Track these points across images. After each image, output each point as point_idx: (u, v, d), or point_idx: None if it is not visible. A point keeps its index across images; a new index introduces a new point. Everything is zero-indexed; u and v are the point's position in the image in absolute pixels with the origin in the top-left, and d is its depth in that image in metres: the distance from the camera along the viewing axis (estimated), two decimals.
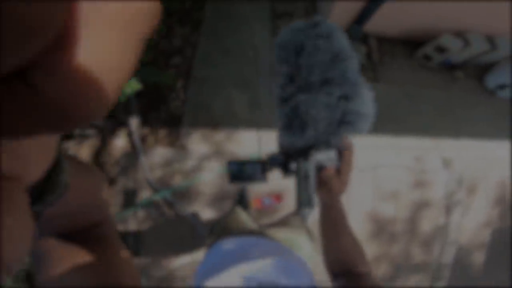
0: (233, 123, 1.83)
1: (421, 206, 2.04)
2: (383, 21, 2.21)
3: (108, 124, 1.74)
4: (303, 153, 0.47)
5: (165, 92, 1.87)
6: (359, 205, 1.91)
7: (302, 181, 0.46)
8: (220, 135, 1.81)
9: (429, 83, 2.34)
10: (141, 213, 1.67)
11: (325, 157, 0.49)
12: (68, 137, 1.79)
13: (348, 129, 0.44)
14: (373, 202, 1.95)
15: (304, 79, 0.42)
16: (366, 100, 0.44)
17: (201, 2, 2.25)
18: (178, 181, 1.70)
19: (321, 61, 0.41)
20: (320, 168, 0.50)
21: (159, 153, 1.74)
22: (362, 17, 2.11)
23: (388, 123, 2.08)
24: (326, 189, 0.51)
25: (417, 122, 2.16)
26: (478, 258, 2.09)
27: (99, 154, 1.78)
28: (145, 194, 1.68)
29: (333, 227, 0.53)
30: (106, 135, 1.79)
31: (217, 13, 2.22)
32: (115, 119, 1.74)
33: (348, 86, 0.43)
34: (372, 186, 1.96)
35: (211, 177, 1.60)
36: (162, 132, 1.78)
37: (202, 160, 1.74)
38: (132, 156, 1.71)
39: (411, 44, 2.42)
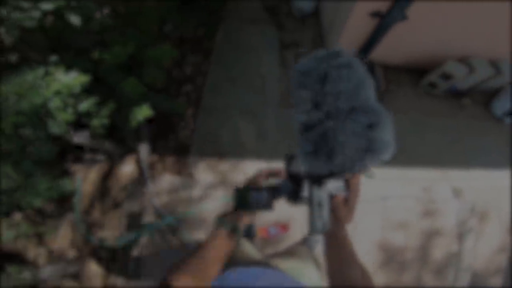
0: (239, 153, 1.84)
1: (432, 235, 1.97)
2: (388, 50, 2.21)
3: (118, 150, 1.76)
4: (317, 180, 0.47)
5: (174, 121, 1.90)
6: (368, 235, 1.86)
7: (316, 208, 0.46)
8: (226, 165, 1.81)
9: (436, 111, 2.31)
10: (144, 238, 1.66)
11: (335, 186, 0.50)
12: (77, 160, 1.81)
13: (373, 157, 0.44)
14: (382, 231, 1.89)
15: (332, 106, 0.43)
16: (389, 128, 0.45)
17: (212, 31, 2.31)
18: (183, 208, 1.69)
19: (346, 89, 0.43)
20: (330, 197, 0.50)
21: (167, 180, 1.74)
22: (368, 45, 2.11)
23: (395, 153, 2.04)
24: (334, 218, 0.52)
25: (425, 152, 2.12)
26: (495, 283, 1.99)
27: (106, 179, 1.79)
28: (150, 220, 1.67)
29: (339, 257, 0.53)
30: (115, 160, 1.81)
31: (227, 42, 2.27)
32: (125, 145, 1.77)
33: (372, 114, 0.44)
34: (381, 216, 1.91)
35: (216, 205, 1.59)
36: (170, 160, 1.79)
37: (208, 188, 1.74)
38: (140, 182, 1.71)
39: (416, 72, 2.40)
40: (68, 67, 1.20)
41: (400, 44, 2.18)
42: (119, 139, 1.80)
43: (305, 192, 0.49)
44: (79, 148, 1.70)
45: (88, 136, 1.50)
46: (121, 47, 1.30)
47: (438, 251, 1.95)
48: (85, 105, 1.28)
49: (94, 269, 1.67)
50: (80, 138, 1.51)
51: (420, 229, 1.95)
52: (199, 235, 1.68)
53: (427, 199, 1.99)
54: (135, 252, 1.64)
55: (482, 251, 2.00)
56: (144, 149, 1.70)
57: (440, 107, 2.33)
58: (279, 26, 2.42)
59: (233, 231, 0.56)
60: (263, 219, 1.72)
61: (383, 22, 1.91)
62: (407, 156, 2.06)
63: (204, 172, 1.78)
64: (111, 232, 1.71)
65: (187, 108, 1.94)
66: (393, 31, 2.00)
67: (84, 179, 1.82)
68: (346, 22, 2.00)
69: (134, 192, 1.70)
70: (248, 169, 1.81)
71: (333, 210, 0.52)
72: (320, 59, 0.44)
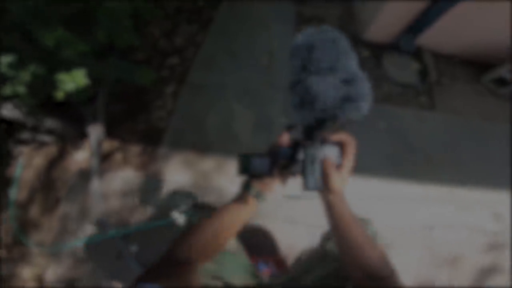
0: (229, 148, 1.30)
1: (490, 273, 1.32)
2: (444, 34, 1.63)
3: (70, 131, 1.29)
4: (309, 135, 0.50)
5: (149, 99, 1.41)
6: (405, 271, 1.25)
7: (308, 165, 0.48)
8: (209, 163, 1.28)
9: (501, 116, 1.67)
10: (80, 251, 1.16)
11: (329, 153, 0.52)
12: (23, 141, 1.37)
13: (350, 105, 0.48)
14: (425, 269, 1.27)
15: (315, 66, 0.49)
16: (365, 85, 0.49)
17: (217, 1, 1.84)
18: (138, 218, 1.18)
19: (329, 56, 0.48)
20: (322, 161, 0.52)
21: (124, 177, 1.24)
22: (417, 26, 1.54)
23: (445, 166, 1.43)
24: (325, 185, 0.51)
25: (485, 166, 1.48)
26: None
27: (54, 166, 1.32)
28: (89, 228, 1.17)
29: (340, 226, 0.53)
30: (67, 144, 1.34)
31: (232, 12, 1.79)
32: (80, 125, 1.30)
33: (349, 74, 0.49)
34: (425, 249, 1.29)
35: (181, 221, 1.06)
36: (135, 150, 1.29)
37: (177, 194, 1.21)
38: (85, 176, 1.23)
39: (476, 66, 1.79)
40: None
41: (463, 29, 1.59)
42: (74, 116, 1.33)
43: (301, 154, 0.51)
44: (18, 125, 1.26)
45: (13, 108, 1.05)
46: None
47: None
48: None
49: (25, 275, 1.19)
50: (4, 111, 1.06)
51: (475, 266, 1.31)
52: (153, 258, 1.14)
53: (489, 229, 1.35)
54: (64, 266, 1.14)
55: None
56: (95, 132, 1.22)
57: (508, 111, 1.69)
58: (298, 0, 1.92)
59: (257, 196, 0.56)
60: (255, 248, 1.17)
61: (438, 2, 1.35)
62: (461, 170, 1.43)
63: (177, 170, 1.26)
64: (50, 235, 1.23)
65: (162, 81, 1.45)
66: (454, 11, 1.43)
67: (27, 164, 1.36)
68: None
69: (75, 188, 1.21)
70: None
71: (325, 175, 0.51)
72: (309, 34, 0.50)
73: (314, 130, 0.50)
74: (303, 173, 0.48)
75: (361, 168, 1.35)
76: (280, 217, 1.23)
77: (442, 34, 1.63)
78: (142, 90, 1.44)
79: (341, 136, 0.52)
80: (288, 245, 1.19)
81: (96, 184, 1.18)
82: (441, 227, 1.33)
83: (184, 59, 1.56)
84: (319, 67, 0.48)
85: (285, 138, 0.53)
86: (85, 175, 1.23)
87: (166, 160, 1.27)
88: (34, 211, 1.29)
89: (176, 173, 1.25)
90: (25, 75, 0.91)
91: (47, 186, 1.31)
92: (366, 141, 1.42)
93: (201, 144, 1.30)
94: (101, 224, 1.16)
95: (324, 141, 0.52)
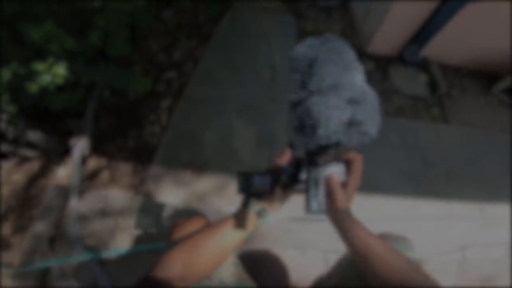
0: (228, 166, 1.17)
1: None
2: (450, 45, 1.56)
3: (54, 146, 1.17)
4: (312, 159, 0.46)
5: (142, 113, 1.30)
6: None
7: (311, 187, 0.45)
8: (205, 183, 1.14)
9: None
10: (53, 273, 0.98)
11: (335, 169, 0.48)
12: (2, 155, 1.23)
13: (357, 130, 0.43)
14: None
15: (316, 85, 0.43)
16: (373, 105, 0.44)
17: (216, 16, 1.80)
18: (120, 243, 1.02)
19: (332, 71, 0.42)
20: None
21: (108, 197, 1.09)
22: (422, 36, 1.48)
23: (469, 181, 1.28)
24: (330, 203, 0.47)
25: (510, 180, 1.34)
26: None
27: (32, 184, 1.18)
28: (63, 250, 1.01)
29: (354, 244, 0.47)
30: (51, 159, 1.21)
31: (233, 27, 1.74)
32: (66, 139, 1.17)
33: (356, 91, 0.43)
34: (458, 273, 1.12)
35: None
36: (124, 168, 1.16)
37: (171, 216, 1.06)
38: (64, 193, 1.09)
39: (485, 77, 1.71)
40: None
41: (468, 38, 1.52)
42: (61, 130, 1.22)
43: (304, 174, 0.48)
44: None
45: None
46: None
47: None
48: None
49: None
50: None
51: None
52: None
53: None
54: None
55: None
56: (79, 145, 1.09)
57: None
58: (299, 15, 1.88)
59: (260, 214, 0.51)
60: (262, 276, 0.99)
61: (447, 3, 1.29)
62: (485, 185, 1.29)
63: (170, 191, 1.11)
64: (19, 255, 1.06)
65: (158, 95, 1.35)
66: (459, 19, 1.37)
67: (5, 181, 1.22)
68: (393, 4, 1.40)
69: (51, 207, 1.06)
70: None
71: (330, 193, 0.47)
72: (311, 45, 0.45)
73: (317, 155, 0.45)
74: (306, 195, 0.44)
75: (378, 187, 1.21)
76: (288, 242, 1.07)
77: (448, 45, 1.57)
78: (135, 104, 1.34)
79: (347, 154, 0.48)
80: (299, 273, 1.01)
81: (74, 203, 1.03)
82: (473, 246, 1.16)
83: (181, 73, 1.48)
84: (320, 84, 0.42)
85: (286, 157, 0.49)
86: (62, 193, 1.09)
87: (158, 180, 1.13)
88: (7, 229, 1.13)
89: (169, 194, 1.10)
90: (6, 74, 0.80)
91: (24, 203, 1.17)
92: (380, 158, 1.29)
93: (197, 162, 1.17)
94: (75, 246, 0.99)
95: (330, 160, 0.48)
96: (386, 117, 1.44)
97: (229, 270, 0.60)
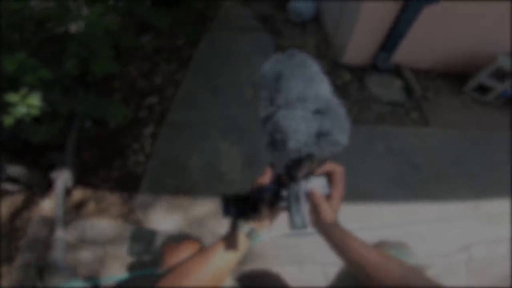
0: (217, 189, 1.14)
1: None
2: (417, 50, 1.64)
3: (36, 179, 1.11)
4: (292, 175, 0.45)
5: (125, 142, 1.27)
6: None
7: (293, 203, 0.43)
8: (195, 207, 1.10)
9: (493, 124, 1.62)
10: None
11: (316, 183, 0.48)
12: None
13: (327, 140, 0.43)
14: None
15: (283, 99, 0.43)
16: (339, 114, 0.44)
17: (195, 39, 1.83)
18: (111, 271, 0.96)
19: (297, 85, 0.43)
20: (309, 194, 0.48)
21: (96, 227, 1.04)
22: (390, 43, 1.54)
23: (458, 181, 1.30)
24: (316, 217, 0.48)
25: (497, 176, 1.37)
26: None
27: (17, 217, 1.11)
28: (53, 279, 0.94)
29: (347, 255, 0.46)
30: (34, 192, 1.15)
31: (212, 49, 1.76)
32: (49, 173, 1.12)
33: (322, 102, 0.44)
34: (468, 273, 1.10)
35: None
36: (110, 198, 1.11)
37: (159, 243, 1.01)
38: (49, 225, 1.03)
39: (454, 78, 1.79)
40: None
41: (432, 41, 1.61)
42: (42, 163, 1.16)
43: (285, 191, 0.47)
44: None
45: None
46: None
47: None
48: None
49: None
50: None
51: None
52: None
53: None
54: None
55: None
56: (61, 178, 1.04)
57: (501, 118, 1.64)
58: (276, 32, 1.94)
59: (250, 234, 0.50)
60: None
61: (408, 7, 1.37)
62: (475, 183, 1.31)
63: (160, 218, 1.07)
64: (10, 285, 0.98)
65: (140, 122, 1.32)
66: (422, 23, 1.45)
67: None
68: (358, 15, 1.47)
69: (36, 237, 1.00)
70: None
71: (315, 207, 0.48)
72: (276, 61, 0.45)
73: (293, 170, 0.44)
74: (289, 211, 0.44)
75: (370, 195, 1.21)
76: (284, 259, 1.04)
77: (414, 49, 1.64)
78: (117, 133, 1.31)
79: (327, 166, 0.48)
80: None
81: (60, 233, 0.97)
82: (477, 244, 1.16)
83: (163, 98, 1.47)
84: (286, 98, 0.43)
85: (268, 175, 0.50)
86: (48, 225, 1.03)
87: (146, 208, 1.09)
88: None
89: (160, 221, 1.06)
90: None
91: (9, 235, 1.09)
92: (368, 167, 1.30)
93: (184, 187, 1.14)
94: (64, 275, 0.93)
95: (309, 174, 0.48)
96: (368, 125, 1.47)
97: None
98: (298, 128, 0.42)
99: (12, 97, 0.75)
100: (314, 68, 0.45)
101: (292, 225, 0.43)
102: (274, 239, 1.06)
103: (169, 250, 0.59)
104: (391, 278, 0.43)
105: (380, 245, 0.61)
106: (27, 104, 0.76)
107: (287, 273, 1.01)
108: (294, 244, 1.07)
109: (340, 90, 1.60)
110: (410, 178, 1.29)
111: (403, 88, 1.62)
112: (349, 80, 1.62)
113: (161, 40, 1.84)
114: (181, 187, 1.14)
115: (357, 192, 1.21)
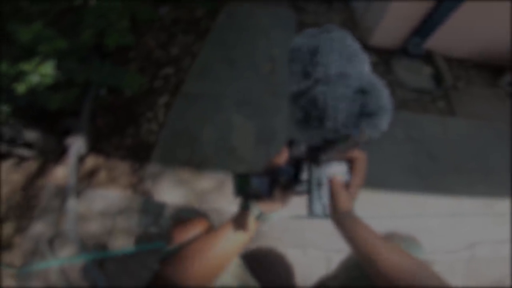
0: (227, 164, 1.12)
1: None
2: (452, 37, 1.49)
3: (51, 145, 1.12)
4: (315, 158, 0.42)
5: (139, 111, 1.25)
6: None
7: (315, 189, 0.41)
8: (204, 181, 1.09)
9: None
10: (53, 273, 0.94)
11: (337, 169, 0.45)
12: (2, 156, 1.19)
13: (367, 122, 0.39)
14: None
15: (322, 73, 0.39)
16: (383, 95, 0.39)
17: (213, 11, 1.74)
18: (119, 243, 0.98)
19: (337, 60, 0.39)
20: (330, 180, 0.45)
21: (106, 197, 1.05)
22: (425, 28, 1.41)
23: (477, 176, 1.22)
24: (332, 204, 0.45)
25: None
26: None
27: (31, 184, 1.14)
28: (62, 250, 0.97)
29: (357, 245, 0.44)
30: (49, 159, 1.17)
31: (230, 22, 1.68)
32: (64, 139, 1.13)
33: (365, 81, 0.39)
34: (467, 272, 1.06)
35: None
36: (121, 167, 1.11)
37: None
38: (61, 194, 1.05)
39: (489, 68, 1.64)
40: None
41: (472, 29, 1.45)
42: (58, 130, 1.17)
43: (305, 174, 0.44)
44: None
45: None
46: None
47: None
48: None
49: None
50: None
51: None
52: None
53: None
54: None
55: None
56: (75, 144, 1.04)
57: None
58: (298, 8, 1.82)
59: (260, 218, 0.47)
60: (265, 277, 0.94)
61: None
62: (495, 180, 1.23)
63: (169, 190, 1.07)
64: (21, 255, 1.03)
65: (155, 92, 1.29)
66: (462, 11, 1.31)
67: (4, 180, 1.18)
68: (389, 5, 1.34)
69: (49, 207, 1.02)
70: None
71: (332, 194, 0.44)
72: (311, 35, 0.41)
73: (321, 151, 0.41)
74: (309, 197, 0.41)
75: (383, 183, 1.15)
76: (288, 242, 1.02)
77: (451, 37, 1.50)
78: (132, 102, 1.29)
79: (350, 152, 0.45)
80: (301, 272, 0.96)
81: (72, 203, 0.99)
82: (483, 243, 1.11)
83: (179, 69, 1.42)
84: (326, 73, 0.39)
85: (283, 156, 0.45)
86: (61, 193, 1.05)
87: (156, 178, 1.08)
88: (8, 229, 1.10)
89: (168, 193, 1.05)
90: None
91: (23, 204, 1.13)
92: (385, 153, 1.23)
93: (196, 159, 1.12)
94: (73, 246, 0.95)
95: (332, 158, 0.45)
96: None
97: (233, 272, 0.57)
98: (339, 106, 0.38)
99: (25, 66, 0.73)
100: (354, 45, 0.41)
101: (312, 211, 0.41)
102: (280, 221, 1.04)
103: (177, 228, 0.58)
104: (400, 274, 0.40)
105: (389, 237, 0.58)
106: (40, 73, 0.74)
107: (290, 255, 1.00)
108: (298, 227, 1.04)
109: None
110: (427, 168, 1.22)
111: (432, 75, 1.49)
112: (375, 62, 1.51)
113: (179, 11, 1.77)
114: (192, 159, 1.12)
115: (370, 178, 1.15)
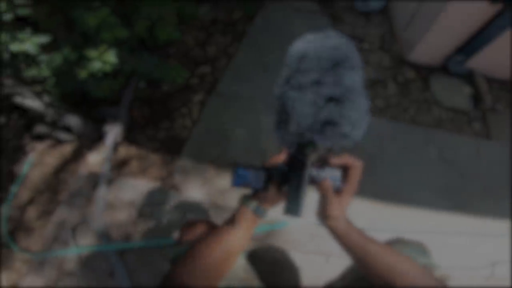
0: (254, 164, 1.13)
1: None
2: (496, 57, 1.42)
3: (89, 131, 1.19)
4: (300, 160, 0.43)
5: (175, 105, 1.29)
6: None
7: (293, 188, 0.42)
8: (227, 181, 1.11)
9: None
10: (70, 261, 0.99)
11: (328, 175, 0.46)
12: (38, 136, 1.27)
13: (333, 132, 0.40)
14: None
15: (297, 80, 0.41)
16: (358, 107, 0.39)
17: (251, 14, 1.77)
18: (141, 234, 1.01)
19: (316, 67, 0.39)
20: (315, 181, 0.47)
21: (135, 187, 1.09)
22: (471, 45, 1.35)
23: (505, 201, 1.16)
24: (322, 208, 0.47)
25: None
26: None
27: (63, 168, 1.21)
28: (85, 238, 1.01)
29: (353, 251, 0.46)
30: (84, 144, 1.23)
31: (266, 26, 1.70)
32: (101, 126, 1.19)
33: (339, 91, 0.39)
34: None
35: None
36: (153, 158, 1.15)
37: (193, 211, 1.04)
38: (92, 181, 1.09)
39: None
40: None
41: None
42: (96, 116, 1.24)
43: (292, 174, 0.45)
44: (36, 118, 1.17)
45: (34, 97, 0.96)
46: None
47: None
48: (19, 45, 0.74)
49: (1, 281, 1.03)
50: (25, 100, 0.97)
51: None
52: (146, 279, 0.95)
53: None
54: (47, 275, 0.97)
55: None
56: (113, 131, 1.10)
57: None
58: (335, 18, 1.81)
59: (257, 211, 0.49)
60: (273, 278, 0.94)
61: (506, 12, 1.16)
62: None
63: (195, 185, 1.09)
64: (40, 240, 1.08)
65: (191, 89, 1.33)
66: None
67: (37, 163, 1.26)
68: (440, 13, 1.28)
69: (78, 193, 1.08)
70: None
71: (322, 199, 0.46)
72: (308, 41, 0.42)
73: (298, 155, 0.43)
74: (288, 196, 0.43)
75: (409, 199, 1.13)
76: (313, 249, 1.01)
77: (496, 57, 1.42)
78: (168, 97, 1.34)
79: (345, 159, 0.46)
80: (306, 276, 0.96)
81: (103, 190, 1.03)
82: (503, 263, 1.06)
83: (215, 69, 1.46)
84: (301, 80, 0.40)
85: (283, 155, 0.48)
86: (91, 180, 1.10)
87: (185, 174, 1.11)
88: (31, 213, 1.15)
89: (194, 189, 1.08)
90: (57, 58, 0.81)
91: (52, 188, 1.19)
92: (415, 170, 1.19)
93: (225, 158, 1.14)
94: (98, 235, 1.00)
95: (324, 164, 0.47)
96: (424, 128, 1.34)
97: (238, 275, 0.58)
98: (303, 112, 0.39)
99: (91, 53, 0.78)
100: (348, 53, 0.40)
101: (285, 209, 0.42)
102: (305, 227, 1.04)
103: (187, 226, 0.61)
104: (396, 276, 0.42)
105: (393, 243, 0.58)
106: (103, 60, 0.78)
107: (314, 262, 0.99)
108: (325, 234, 1.03)
109: (401, 87, 1.46)
110: (455, 188, 1.18)
111: (471, 95, 1.43)
112: (412, 78, 1.47)
113: (218, 12, 1.82)
114: (222, 157, 1.15)
115: (398, 193, 1.13)
